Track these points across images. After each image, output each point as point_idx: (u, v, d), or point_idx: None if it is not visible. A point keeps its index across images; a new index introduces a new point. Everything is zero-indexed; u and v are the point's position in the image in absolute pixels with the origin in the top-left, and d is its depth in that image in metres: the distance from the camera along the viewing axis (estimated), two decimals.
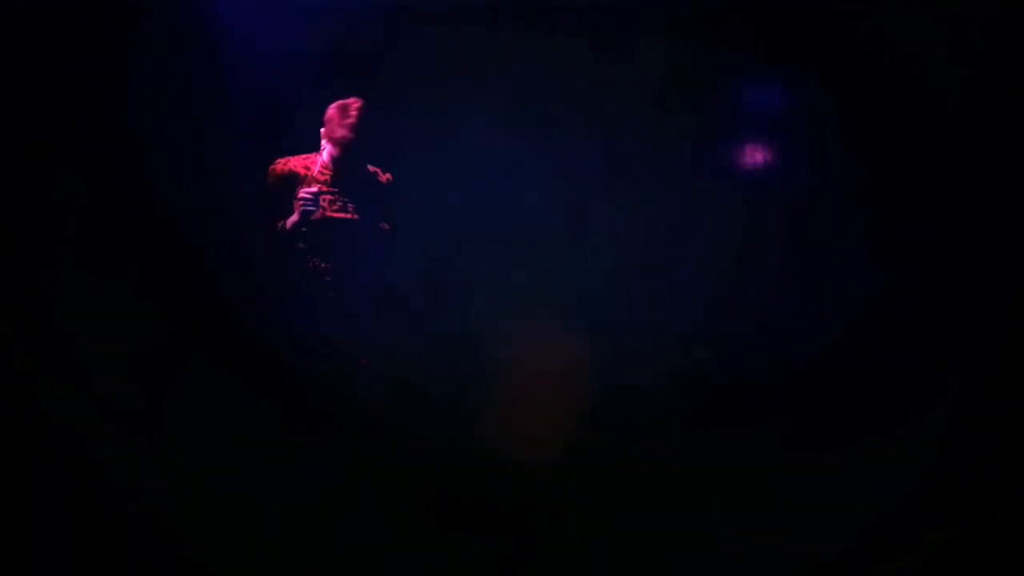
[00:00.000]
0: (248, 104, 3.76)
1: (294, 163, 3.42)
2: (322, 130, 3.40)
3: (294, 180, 3.38)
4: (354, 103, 3.35)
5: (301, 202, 3.32)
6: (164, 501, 3.30)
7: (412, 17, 3.91)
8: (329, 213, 3.39)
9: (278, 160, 3.42)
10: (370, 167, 3.49)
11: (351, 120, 3.33)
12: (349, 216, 3.41)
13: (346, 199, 3.41)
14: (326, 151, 3.40)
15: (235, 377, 3.56)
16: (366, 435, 3.47)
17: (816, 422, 3.62)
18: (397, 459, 3.50)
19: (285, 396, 3.46)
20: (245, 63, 3.77)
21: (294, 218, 3.36)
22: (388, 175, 3.53)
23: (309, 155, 3.44)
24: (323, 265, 3.43)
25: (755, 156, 3.96)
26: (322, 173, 3.41)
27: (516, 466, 3.71)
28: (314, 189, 3.34)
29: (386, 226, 3.49)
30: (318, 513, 3.31)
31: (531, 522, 3.54)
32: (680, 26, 3.88)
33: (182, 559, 3.18)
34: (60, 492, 3.25)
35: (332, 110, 3.37)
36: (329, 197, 3.39)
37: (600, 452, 3.72)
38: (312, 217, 3.34)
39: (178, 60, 3.70)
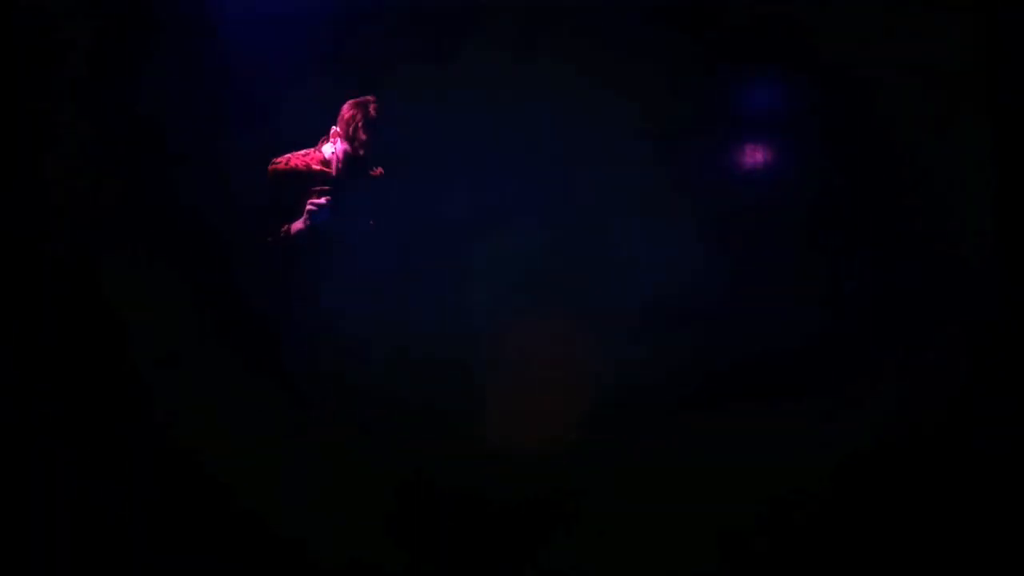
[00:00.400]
0: (245, 102, 3.75)
1: (295, 160, 3.38)
2: (334, 128, 3.37)
3: (296, 178, 3.35)
4: (372, 102, 3.34)
5: (308, 214, 3.30)
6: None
7: (410, 16, 3.89)
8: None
9: (278, 159, 3.39)
10: None
11: (373, 119, 3.32)
12: (347, 215, 3.39)
13: (347, 197, 3.39)
14: (337, 147, 3.37)
15: (235, 374, 3.56)
16: (364, 430, 3.46)
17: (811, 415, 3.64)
18: (394, 454, 3.49)
19: (284, 392, 3.45)
20: (242, 61, 3.76)
21: (299, 225, 3.34)
22: (380, 169, 3.51)
23: (308, 151, 3.42)
24: (322, 263, 3.40)
25: (747, 154, 3.97)
26: (326, 170, 3.38)
27: (513, 460, 3.72)
28: (322, 201, 3.31)
29: (372, 223, 3.47)
30: (317, 510, 3.31)
31: (529, 518, 3.54)
32: (677, 27, 3.88)
33: None
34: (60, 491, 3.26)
35: (351, 110, 3.36)
36: (330, 196, 3.37)
37: (597, 446, 3.73)
38: (321, 226, 3.31)
39: (176, 58, 3.69)
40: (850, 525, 3.28)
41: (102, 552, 3.21)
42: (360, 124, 3.33)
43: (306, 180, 3.35)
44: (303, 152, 3.40)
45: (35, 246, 3.41)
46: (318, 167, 3.39)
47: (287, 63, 3.77)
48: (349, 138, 3.35)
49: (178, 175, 3.64)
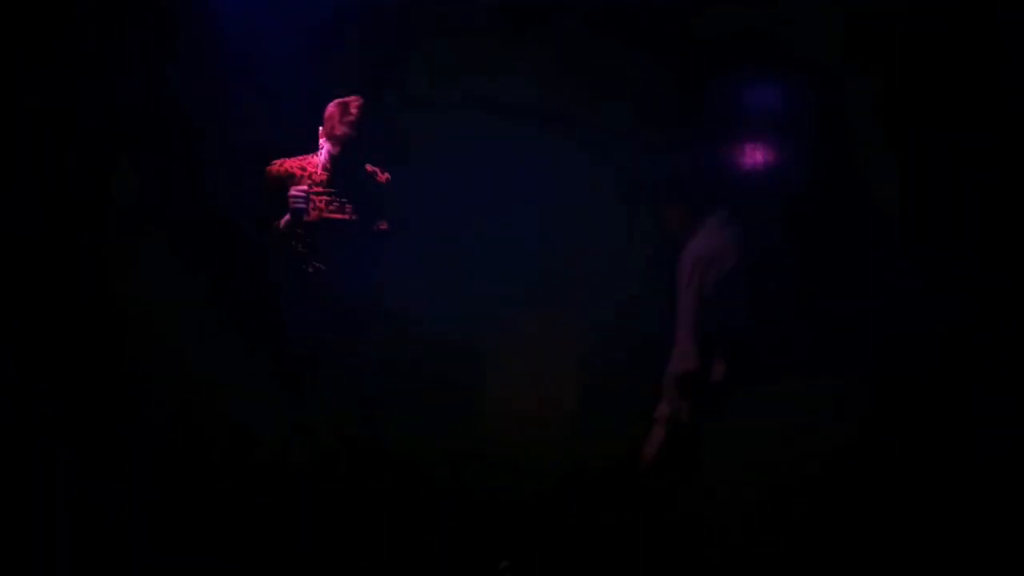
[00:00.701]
0: (245, 105, 3.76)
1: (290, 164, 3.40)
2: (321, 128, 3.38)
3: (291, 181, 3.35)
4: (354, 101, 3.33)
5: (291, 200, 3.29)
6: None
7: (412, 17, 3.90)
8: (327, 214, 3.37)
9: (275, 161, 3.40)
10: (368, 166, 3.47)
11: (351, 118, 3.31)
12: (347, 217, 3.39)
13: (344, 199, 3.39)
14: (325, 150, 3.38)
15: (235, 372, 3.58)
16: (364, 426, 3.46)
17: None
18: (395, 455, 3.50)
19: (285, 388, 3.45)
20: (243, 64, 3.78)
21: (287, 217, 3.33)
22: (387, 175, 3.50)
23: (306, 156, 3.42)
24: (321, 266, 3.40)
25: (744, 155, 3.98)
26: (320, 173, 3.39)
27: (513, 462, 3.74)
28: (304, 187, 3.31)
29: (384, 226, 3.46)
30: (320, 510, 3.31)
31: (529, 518, 3.56)
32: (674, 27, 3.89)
33: None
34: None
35: (332, 108, 3.35)
36: (327, 198, 3.37)
37: (595, 450, 3.75)
38: (305, 215, 3.30)
39: (177, 59, 3.70)
40: (846, 525, 3.27)
41: (102, 552, 3.21)
42: (337, 121, 3.32)
43: (299, 182, 3.36)
44: (300, 157, 3.41)
45: (35, 245, 3.43)
46: (312, 169, 3.39)
47: (291, 67, 3.81)
48: (331, 137, 3.34)
49: (179, 176, 3.66)
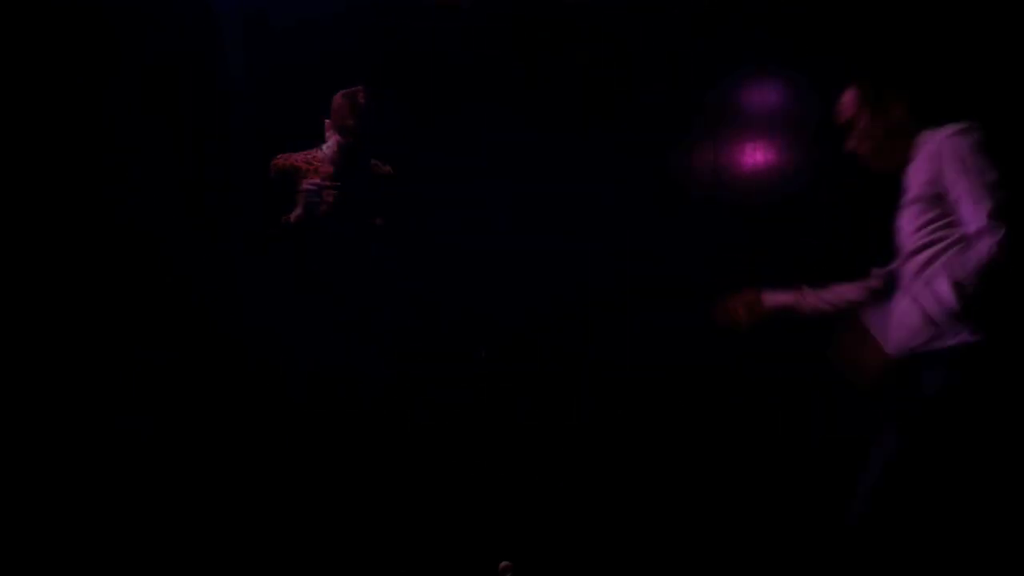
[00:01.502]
0: (249, 100, 3.77)
1: (295, 158, 3.36)
2: (327, 121, 3.36)
3: (296, 175, 3.33)
4: (361, 91, 3.31)
5: (304, 195, 3.26)
6: None
7: (415, 12, 3.92)
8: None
9: (279, 155, 3.37)
10: (372, 160, 3.46)
11: (360, 108, 3.30)
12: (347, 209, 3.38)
13: (348, 192, 3.37)
14: (332, 141, 3.36)
15: (237, 372, 3.57)
16: (367, 428, 3.45)
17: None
18: (396, 454, 3.49)
19: (285, 391, 3.43)
20: (248, 58, 3.79)
21: (298, 212, 3.28)
22: (388, 167, 3.50)
23: (310, 151, 3.40)
24: (325, 260, 3.38)
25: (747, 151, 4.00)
26: (327, 167, 3.36)
27: (511, 461, 3.74)
28: (316, 180, 3.28)
29: (379, 220, 3.44)
30: (320, 512, 3.30)
31: (528, 520, 3.56)
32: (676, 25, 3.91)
33: None
34: None
35: (339, 99, 3.33)
36: (333, 191, 3.33)
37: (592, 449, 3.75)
38: (318, 209, 3.27)
39: (179, 55, 3.70)
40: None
41: (104, 553, 3.20)
42: (347, 111, 3.30)
43: (305, 175, 3.33)
44: (304, 151, 3.40)
45: (39, 241, 3.43)
46: (317, 163, 3.37)
47: (290, 59, 3.81)
48: (339, 127, 3.33)
49: (183, 171, 3.66)
